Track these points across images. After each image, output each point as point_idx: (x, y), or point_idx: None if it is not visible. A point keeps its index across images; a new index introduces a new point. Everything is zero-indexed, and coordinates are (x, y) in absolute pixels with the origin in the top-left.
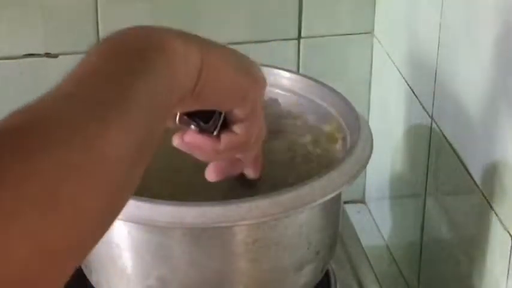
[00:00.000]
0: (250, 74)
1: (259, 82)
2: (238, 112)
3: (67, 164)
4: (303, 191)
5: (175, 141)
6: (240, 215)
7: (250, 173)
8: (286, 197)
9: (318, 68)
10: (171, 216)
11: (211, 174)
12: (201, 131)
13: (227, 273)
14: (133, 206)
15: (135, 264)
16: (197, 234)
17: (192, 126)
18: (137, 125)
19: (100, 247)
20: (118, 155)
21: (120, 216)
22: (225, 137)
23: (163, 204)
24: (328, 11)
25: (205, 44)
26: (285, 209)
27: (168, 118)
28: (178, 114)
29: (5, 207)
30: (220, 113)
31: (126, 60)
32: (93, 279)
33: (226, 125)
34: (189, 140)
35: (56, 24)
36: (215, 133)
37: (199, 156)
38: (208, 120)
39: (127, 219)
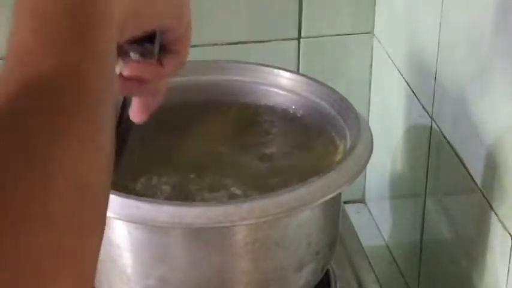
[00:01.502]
0: None
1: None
2: (175, 30)
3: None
4: (303, 191)
5: (117, 84)
6: (240, 215)
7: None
8: (286, 197)
9: (318, 68)
10: (171, 216)
11: (139, 116)
12: (141, 57)
13: (227, 273)
14: (133, 206)
15: (135, 264)
16: (197, 234)
17: (132, 54)
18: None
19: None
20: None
21: (120, 216)
22: (167, 60)
23: (163, 204)
24: (328, 11)
25: None
26: (285, 209)
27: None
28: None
29: None
30: (158, 33)
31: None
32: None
33: (162, 48)
34: (130, 73)
35: None
36: (156, 56)
37: (139, 91)
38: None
39: (127, 219)
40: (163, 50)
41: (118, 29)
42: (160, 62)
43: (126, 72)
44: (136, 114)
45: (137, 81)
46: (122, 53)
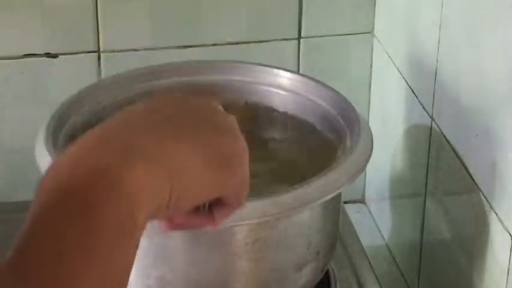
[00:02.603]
0: (225, 166)
1: (238, 153)
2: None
3: None
4: (303, 191)
5: (163, 226)
6: (240, 215)
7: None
8: (286, 197)
9: (318, 68)
10: None
11: (213, 226)
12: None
13: (227, 273)
14: None
15: (135, 264)
16: (197, 234)
17: None
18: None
19: None
20: None
21: None
22: (218, 212)
23: None
24: (328, 11)
25: (172, 150)
26: (285, 209)
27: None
28: None
29: None
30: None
31: (71, 213)
32: None
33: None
34: (180, 221)
35: (56, 24)
36: (206, 208)
37: (186, 230)
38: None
39: None
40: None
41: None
42: (211, 213)
43: (176, 221)
44: (211, 226)
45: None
46: None
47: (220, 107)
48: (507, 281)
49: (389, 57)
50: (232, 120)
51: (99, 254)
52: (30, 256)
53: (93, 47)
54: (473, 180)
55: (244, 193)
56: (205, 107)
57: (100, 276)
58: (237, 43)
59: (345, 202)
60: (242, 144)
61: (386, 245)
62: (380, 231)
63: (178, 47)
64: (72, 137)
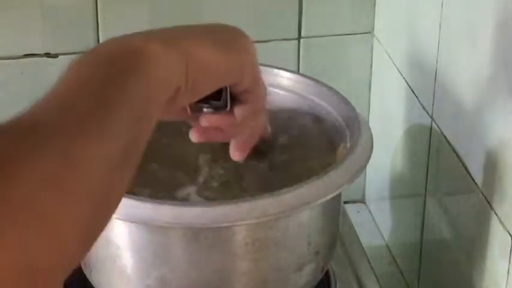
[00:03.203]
0: (237, 49)
1: (249, 51)
2: (240, 84)
3: (45, 176)
4: (303, 191)
5: (193, 136)
6: (240, 215)
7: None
8: (286, 197)
9: (318, 68)
10: (171, 216)
11: (237, 155)
12: (215, 111)
13: (227, 273)
14: (133, 206)
15: (135, 264)
16: (197, 234)
17: (205, 109)
18: (118, 132)
19: (100, 247)
20: (98, 164)
21: (120, 216)
22: (238, 109)
23: (163, 204)
24: (328, 11)
25: (185, 37)
26: (285, 209)
27: (159, 116)
28: (188, 106)
29: None
30: (225, 88)
31: (106, 70)
32: (93, 279)
33: (234, 99)
34: (207, 124)
35: (56, 24)
36: (228, 108)
37: (220, 138)
38: (218, 98)
39: (127, 219)
40: (235, 100)
41: (170, 98)
42: (233, 112)
43: (202, 123)
44: (235, 153)
45: (214, 130)
46: (197, 109)
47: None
48: (507, 281)
49: (389, 57)
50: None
51: (116, 125)
52: (57, 117)
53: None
54: (473, 180)
55: (261, 91)
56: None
57: (110, 149)
58: None
59: (345, 202)
60: (253, 46)
61: (386, 245)
62: (380, 231)
63: None
64: None
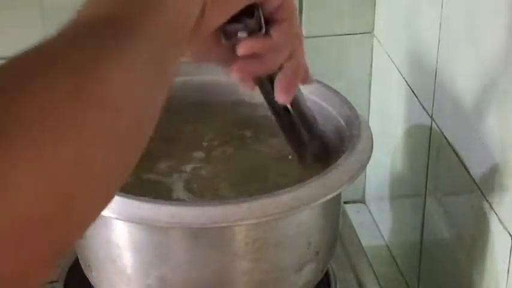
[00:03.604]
0: None
1: None
2: (271, 2)
3: (64, 89)
4: (303, 191)
5: (236, 73)
6: (240, 215)
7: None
8: (286, 197)
9: (318, 68)
10: (171, 216)
11: (282, 96)
12: (250, 33)
13: (227, 273)
14: (133, 206)
15: (135, 264)
16: (197, 234)
17: (239, 34)
18: (144, 58)
19: (100, 247)
20: (121, 77)
21: (120, 216)
22: (274, 30)
23: (163, 204)
24: (328, 11)
25: None
26: (285, 209)
27: (191, 45)
28: (222, 32)
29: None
30: (257, 8)
31: None
32: (93, 279)
33: (267, 23)
34: (244, 51)
35: (56, 24)
36: (263, 30)
37: (261, 69)
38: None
39: (127, 219)
40: (269, 21)
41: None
42: (269, 34)
43: (240, 52)
44: (280, 95)
45: (254, 59)
46: (230, 36)
47: None
48: (507, 281)
49: (389, 57)
50: None
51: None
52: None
53: None
54: (473, 180)
55: (293, 6)
56: None
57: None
58: None
59: (345, 202)
60: None
61: (386, 245)
62: (380, 231)
63: None
64: None
